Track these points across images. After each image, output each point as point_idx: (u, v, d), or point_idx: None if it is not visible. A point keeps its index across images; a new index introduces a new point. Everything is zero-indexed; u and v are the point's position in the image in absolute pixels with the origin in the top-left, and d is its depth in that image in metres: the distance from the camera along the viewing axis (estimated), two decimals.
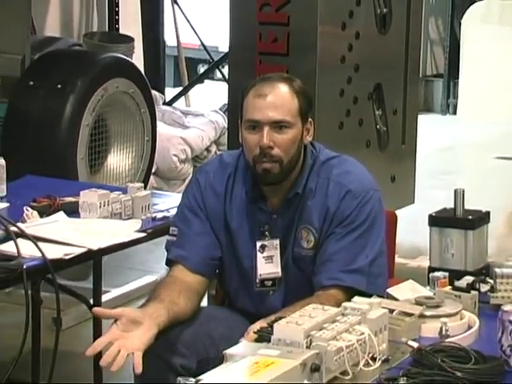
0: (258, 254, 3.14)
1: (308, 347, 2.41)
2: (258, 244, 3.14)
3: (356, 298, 2.69)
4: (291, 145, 3.07)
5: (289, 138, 3.06)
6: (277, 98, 3.06)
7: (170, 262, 3.20)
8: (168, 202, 3.86)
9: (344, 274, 3.04)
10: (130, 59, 6.71)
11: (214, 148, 7.94)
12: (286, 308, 2.91)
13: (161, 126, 7.05)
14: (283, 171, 3.07)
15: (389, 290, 2.94)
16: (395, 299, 2.85)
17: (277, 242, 3.14)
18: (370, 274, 3.06)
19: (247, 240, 3.17)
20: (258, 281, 3.16)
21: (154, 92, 6.76)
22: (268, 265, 3.15)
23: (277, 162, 3.05)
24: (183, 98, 8.76)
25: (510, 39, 10.55)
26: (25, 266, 3.10)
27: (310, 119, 3.15)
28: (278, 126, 3.04)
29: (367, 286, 3.03)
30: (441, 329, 2.69)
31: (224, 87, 7.19)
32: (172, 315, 2.93)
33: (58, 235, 3.41)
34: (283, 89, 3.08)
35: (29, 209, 3.67)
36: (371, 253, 3.08)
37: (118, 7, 8.40)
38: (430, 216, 3.29)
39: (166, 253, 3.23)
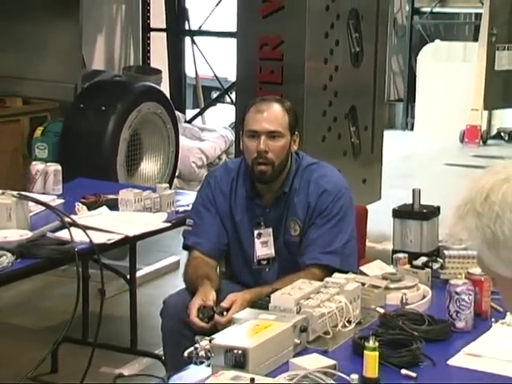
0: (256, 239, 3.15)
1: (298, 313, 2.41)
2: (256, 232, 3.14)
3: (336, 274, 2.69)
4: (282, 150, 3.07)
5: (280, 145, 3.06)
6: (272, 114, 3.07)
7: (187, 247, 3.21)
8: (188, 199, 3.85)
9: (322, 255, 3.04)
10: (158, 87, 6.69)
11: (224, 156, 7.92)
12: (274, 283, 2.92)
13: (182, 139, 7.04)
14: (275, 172, 3.08)
15: (361, 268, 2.94)
16: (366, 275, 2.85)
17: (270, 230, 3.15)
18: (342, 255, 3.06)
19: (247, 229, 3.17)
20: (256, 261, 3.17)
21: (177, 112, 6.74)
22: (264, 248, 3.15)
23: (270, 165, 3.06)
24: (200, 117, 8.75)
25: (455, 72, 10.55)
26: (76, 249, 3.10)
27: (296, 132, 3.15)
28: (272, 135, 3.05)
29: (340, 264, 3.02)
30: (402, 298, 2.69)
31: (232, 109, 7.18)
32: (214, 287, 2.97)
33: (102, 225, 3.40)
34: (277, 107, 3.09)
35: (79, 204, 3.67)
36: (344, 238, 3.08)
37: (149, 46, 8.41)
38: (393, 210, 3.28)
39: (183, 239, 3.24)
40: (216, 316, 2.80)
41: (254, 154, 3.06)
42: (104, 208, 3.68)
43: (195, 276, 3.04)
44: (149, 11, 8.34)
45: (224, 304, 2.84)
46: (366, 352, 2.15)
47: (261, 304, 2.63)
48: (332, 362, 2.19)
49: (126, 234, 3.37)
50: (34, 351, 4.00)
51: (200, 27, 8.84)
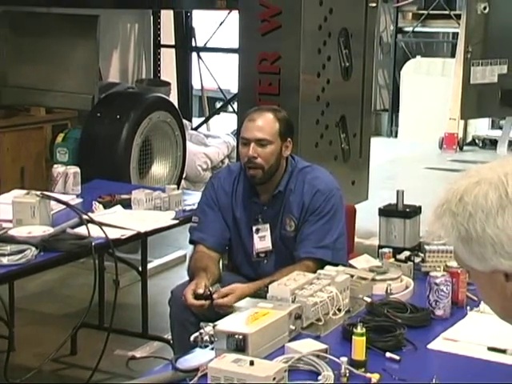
0: (255, 234, 3.14)
1: (293, 302, 2.41)
2: (254, 228, 3.14)
3: (327, 267, 2.69)
4: (270, 156, 3.06)
5: (268, 152, 3.05)
6: (262, 123, 3.05)
7: (193, 242, 3.20)
8: (194, 199, 3.85)
9: (315, 249, 3.03)
10: (168, 98, 6.69)
11: (226, 160, 7.90)
12: (272, 275, 2.90)
13: (189, 145, 7.02)
14: (265, 175, 3.07)
15: (350, 261, 2.94)
16: (355, 268, 2.84)
17: (267, 226, 3.14)
18: (333, 249, 3.05)
19: (247, 225, 3.17)
20: (255, 253, 3.16)
21: (184, 120, 6.74)
22: (262, 242, 3.15)
23: (259, 169, 3.05)
24: (205, 125, 8.74)
25: (434, 86, 10.54)
26: (93, 244, 3.10)
27: (289, 139, 3.12)
28: (261, 142, 3.04)
29: (332, 257, 3.01)
30: (387, 288, 2.68)
31: (234, 118, 7.17)
32: (210, 278, 2.94)
33: (116, 222, 3.40)
34: (268, 116, 3.07)
35: (96, 203, 3.67)
36: (335, 234, 3.07)
37: (159, 61, 8.41)
38: (379, 209, 3.28)
39: (189, 235, 3.23)
40: (214, 296, 2.80)
41: (245, 159, 3.07)
42: (118, 206, 3.68)
43: (195, 268, 3.04)
44: (159, 29, 8.34)
45: (224, 290, 2.84)
46: (354, 337, 2.15)
47: (260, 294, 2.63)
48: (324, 346, 2.20)
49: (138, 230, 3.37)
50: (56, 335, 4.00)
51: (205, 44, 8.84)
